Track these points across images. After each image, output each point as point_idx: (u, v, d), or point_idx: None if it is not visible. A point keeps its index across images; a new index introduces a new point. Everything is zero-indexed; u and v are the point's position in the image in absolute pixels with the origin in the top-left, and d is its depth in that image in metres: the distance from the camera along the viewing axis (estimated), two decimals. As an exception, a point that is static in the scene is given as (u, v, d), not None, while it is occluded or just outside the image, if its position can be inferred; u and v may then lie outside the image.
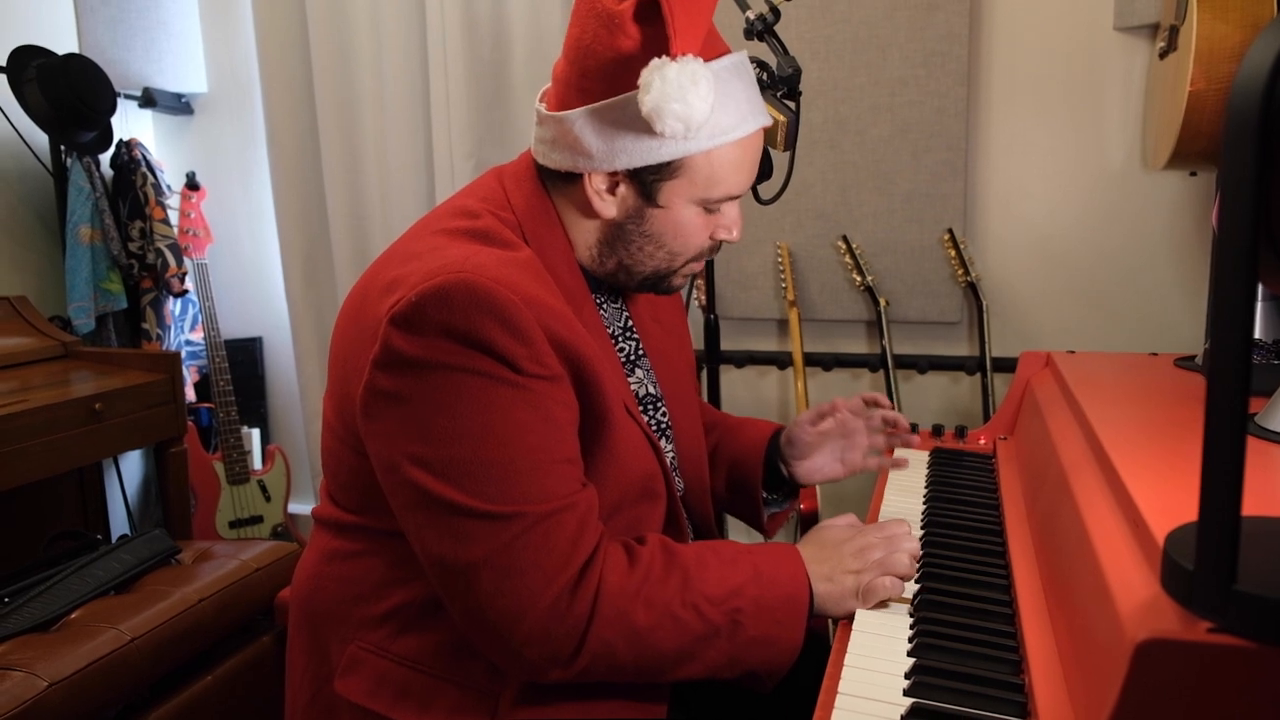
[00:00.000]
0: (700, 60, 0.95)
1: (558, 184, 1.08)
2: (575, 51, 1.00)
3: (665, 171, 1.02)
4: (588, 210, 1.06)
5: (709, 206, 1.06)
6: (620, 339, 1.19)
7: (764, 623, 0.98)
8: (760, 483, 1.36)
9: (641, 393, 1.19)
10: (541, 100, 1.07)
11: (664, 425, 1.21)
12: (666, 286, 1.15)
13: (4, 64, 2.40)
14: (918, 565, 1.08)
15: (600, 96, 0.99)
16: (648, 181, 1.03)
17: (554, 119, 1.03)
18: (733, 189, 1.06)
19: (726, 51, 1.03)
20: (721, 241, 1.12)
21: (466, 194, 1.12)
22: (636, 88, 0.95)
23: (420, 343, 0.91)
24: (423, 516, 0.94)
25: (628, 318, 1.22)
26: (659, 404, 1.21)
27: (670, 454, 1.21)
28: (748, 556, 1.03)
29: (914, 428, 1.66)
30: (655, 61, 0.94)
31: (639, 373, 1.20)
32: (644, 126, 0.97)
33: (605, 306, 1.19)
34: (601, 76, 0.98)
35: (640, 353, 1.21)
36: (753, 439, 1.38)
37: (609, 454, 1.03)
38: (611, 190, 1.05)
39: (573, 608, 0.93)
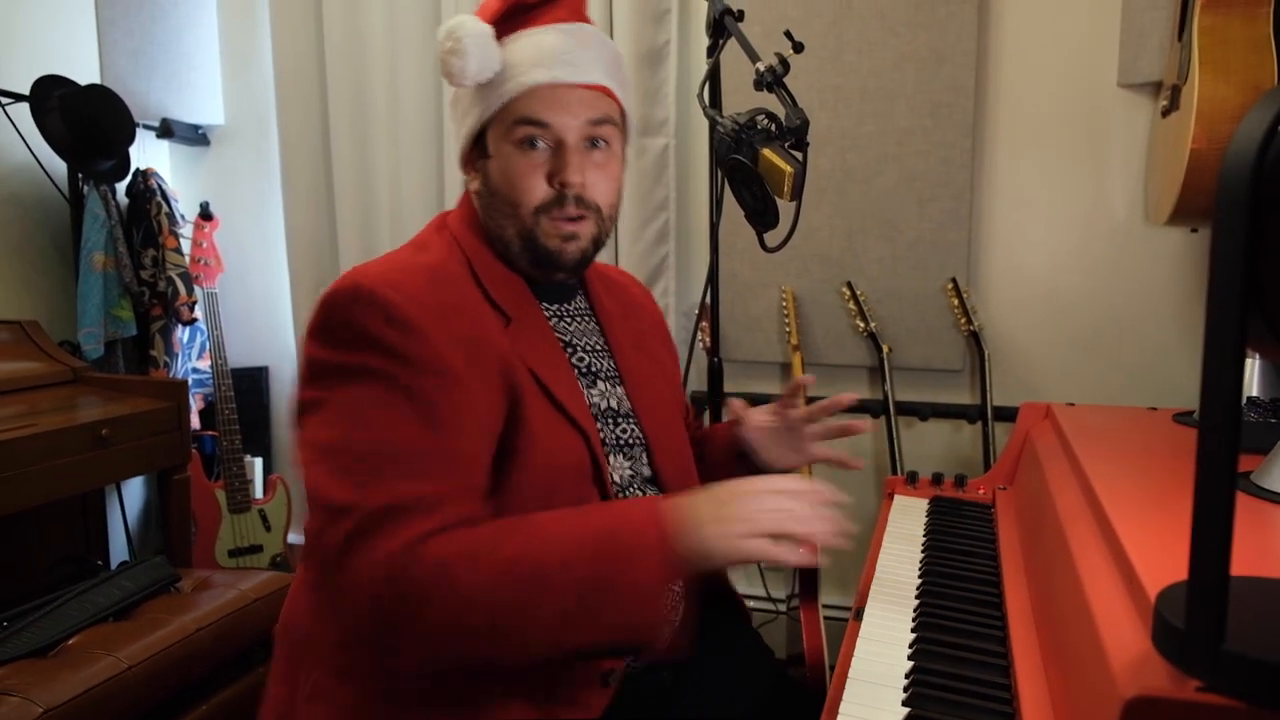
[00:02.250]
0: (473, 19, 1.09)
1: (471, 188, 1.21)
2: None
3: (490, 123, 1.13)
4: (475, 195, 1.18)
5: (520, 140, 1.10)
6: (583, 351, 1.21)
7: (607, 560, 0.92)
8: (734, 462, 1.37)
9: (602, 405, 1.19)
10: None
11: (624, 440, 1.21)
12: (548, 255, 1.14)
13: (28, 93, 2.44)
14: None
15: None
16: (483, 141, 1.14)
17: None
18: (525, 111, 1.10)
19: (524, 27, 1.13)
20: (570, 192, 1.11)
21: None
22: None
23: (323, 347, 1.02)
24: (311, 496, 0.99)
25: (604, 340, 1.25)
26: (627, 420, 1.22)
27: (629, 470, 1.20)
28: (601, 507, 1.06)
29: (913, 476, 1.66)
30: None
31: (600, 385, 1.21)
32: (467, 99, 1.14)
33: (571, 318, 1.22)
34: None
35: (613, 370, 1.23)
36: (724, 441, 1.40)
37: (527, 438, 1.05)
38: (472, 165, 1.18)
39: (380, 540, 0.92)
